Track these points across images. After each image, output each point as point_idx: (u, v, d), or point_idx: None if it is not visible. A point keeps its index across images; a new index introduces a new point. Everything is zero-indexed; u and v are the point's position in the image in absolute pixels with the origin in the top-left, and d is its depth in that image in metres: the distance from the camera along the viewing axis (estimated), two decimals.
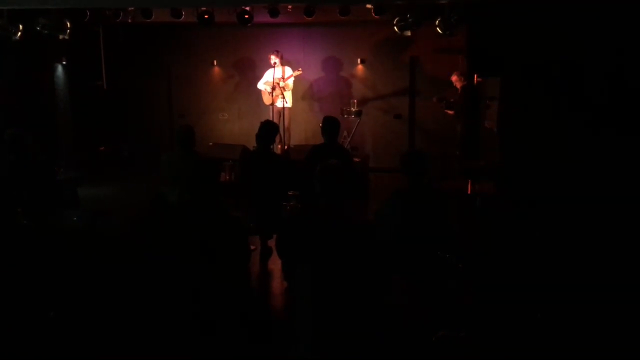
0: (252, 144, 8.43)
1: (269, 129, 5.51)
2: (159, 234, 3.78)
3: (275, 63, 8.71)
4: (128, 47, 9.68)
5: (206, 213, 3.50)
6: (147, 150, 9.49)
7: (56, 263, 4.19)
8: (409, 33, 7.46)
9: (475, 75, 8.71)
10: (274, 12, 7.35)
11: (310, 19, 7.65)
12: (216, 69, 10.18)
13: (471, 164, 7.92)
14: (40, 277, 4.02)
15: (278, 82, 8.76)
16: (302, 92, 9.89)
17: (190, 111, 10.07)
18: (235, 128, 10.18)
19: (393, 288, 3.59)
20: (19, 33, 7.02)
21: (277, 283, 5.23)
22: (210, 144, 8.80)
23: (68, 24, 7.29)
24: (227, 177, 6.94)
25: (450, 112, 9.03)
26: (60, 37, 7.36)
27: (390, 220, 4.00)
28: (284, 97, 8.75)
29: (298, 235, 3.30)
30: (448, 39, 7.77)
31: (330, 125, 5.52)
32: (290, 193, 4.79)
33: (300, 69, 9.05)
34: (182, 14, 7.53)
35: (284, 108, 8.84)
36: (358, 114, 8.83)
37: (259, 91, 9.36)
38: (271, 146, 5.74)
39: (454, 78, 8.91)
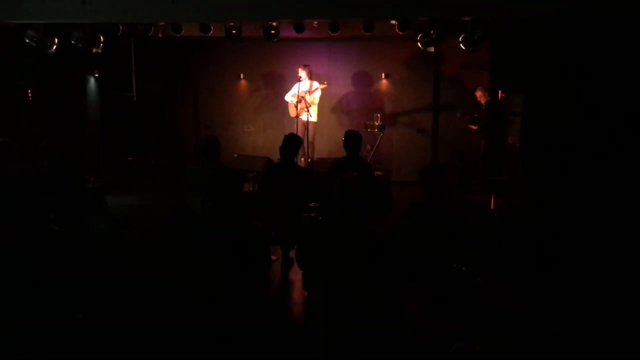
0: (276, 156, 8.55)
1: (292, 142, 5.62)
2: (182, 241, 3.89)
3: (301, 77, 8.86)
4: (157, 60, 9.94)
5: (229, 221, 3.59)
6: (173, 160, 9.70)
7: (84, 267, 4.33)
8: (432, 49, 7.54)
9: (500, 91, 8.73)
10: (299, 28, 7.49)
11: (335, 34, 7.77)
12: (242, 82, 10.36)
13: (494, 179, 7.92)
14: (69, 280, 4.17)
15: (304, 95, 8.90)
16: (330, 106, 10.01)
17: (215, 123, 10.24)
18: (259, 140, 10.34)
19: (410, 299, 3.63)
20: (54, 46, 7.28)
21: (298, 293, 5.31)
22: (235, 155, 8.94)
23: (101, 38, 7.53)
24: (251, 188, 7.07)
25: (474, 127, 9.05)
26: (94, 50, 7.60)
27: (408, 232, 4.05)
28: (308, 111, 8.88)
29: (316, 246, 3.39)
30: (472, 54, 7.83)
31: (352, 139, 5.61)
32: (310, 204, 4.88)
33: (326, 82, 9.18)
34: (211, 29, 7.72)
35: (308, 122, 8.96)
36: (381, 128, 8.92)
37: (284, 104, 9.51)
38: (295, 159, 5.85)
39: (478, 94, 8.95)
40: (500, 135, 8.90)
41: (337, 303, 3.12)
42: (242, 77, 10.29)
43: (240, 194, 3.67)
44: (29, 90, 7.80)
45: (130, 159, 9.92)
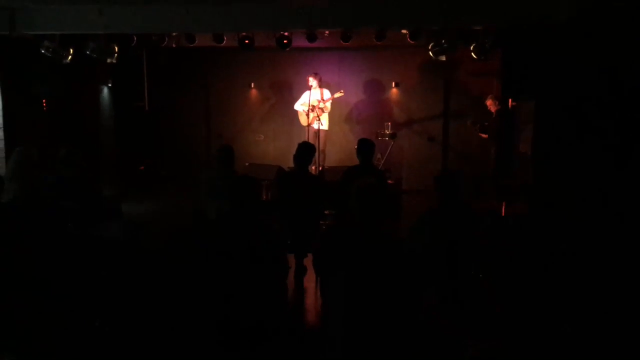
0: (286, 164, 8.63)
1: (306, 150, 5.66)
2: (199, 247, 3.94)
3: (312, 85, 8.93)
4: (169, 70, 10.04)
5: (245, 227, 3.63)
6: (184, 169, 9.80)
7: (102, 273, 4.39)
8: (444, 58, 7.59)
9: (510, 100, 8.77)
10: (311, 37, 7.56)
11: (347, 43, 7.84)
12: (253, 91, 10.45)
13: (505, 186, 7.95)
14: (87, 286, 4.22)
15: (317, 103, 8.97)
16: (341, 114, 10.07)
17: (226, 132, 10.29)
18: (270, 149, 10.41)
19: (424, 304, 3.66)
20: (70, 56, 7.38)
21: (312, 300, 5.35)
22: (247, 164, 9.01)
23: (116, 48, 7.63)
24: (264, 197, 7.12)
25: (484, 135, 9.08)
26: (108, 60, 7.70)
27: (422, 237, 4.09)
28: (319, 120, 8.95)
29: (335, 252, 3.43)
30: (482, 63, 7.88)
31: (365, 147, 5.66)
32: (326, 212, 4.92)
33: (342, 90, 9.24)
34: (224, 39, 7.81)
35: (319, 130, 9.02)
36: (392, 136, 8.97)
37: (294, 113, 9.59)
38: (308, 167, 5.90)
39: (488, 102, 8.99)
40: (510, 144, 8.93)
41: (356, 308, 3.18)
42: (252, 86, 10.38)
43: (260, 201, 3.71)
44: (44, 100, 7.90)
45: (142, 167, 10.01)
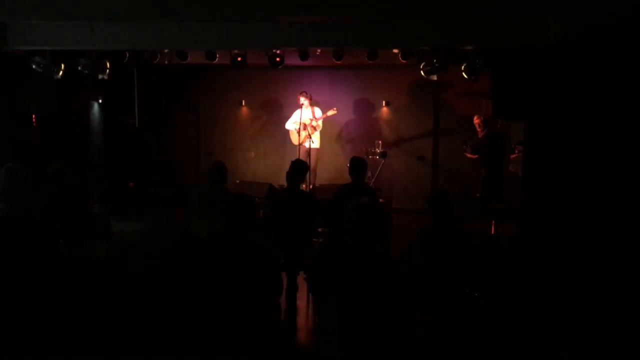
0: (277, 182, 8.62)
1: (299, 168, 5.65)
2: (189, 267, 3.89)
3: (303, 104, 8.95)
4: (159, 87, 10.01)
5: (238, 246, 3.60)
6: (173, 187, 9.74)
7: (90, 292, 4.31)
8: (435, 77, 7.66)
9: (500, 120, 8.84)
10: (304, 56, 7.60)
11: (338, 62, 7.88)
12: (244, 109, 10.46)
13: (495, 206, 7.98)
14: (75, 306, 4.14)
15: (310, 122, 8.98)
16: (332, 133, 10.08)
17: (217, 149, 10.27)
18: (260, 167, 10.38)
19: (418, 324, 3.65)
20: (61, 72, 7.35)
21: (303, 319, 5.30)
22: (237, 181, 8.98)
23: (108, 64, 7.61)
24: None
25: (473, 156, 9.08)
26: (100, 77, 7.67)
27: (416, 257, 4.09)
28: (310, 138, 8.95)
29: (328, 271, 3.41)
30: (472, 82, 7.96)
31: (357, 165, 5.66)
32: (319, 230, 4.90)
33: (335, 108, 9.26)
34: (217, 57, 7.82)
35: (310, 148, 9.03)
36: (383, 155, 8.99)
37: (285, 131, 9.59)
38: (300, 185, 5.88)
39: (476, 121, 9.03)
40: (500, 164, 8.98)
41: (350, 327, 3.15)
42: (243, 103, 10.38)
43: (254, 219, 3.68)
44: (33, 115, 7.84)
45: (132, 184, 9.94)
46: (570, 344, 3.85)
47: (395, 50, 7.53)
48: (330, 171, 9.96)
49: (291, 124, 9.37)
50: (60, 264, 4.01)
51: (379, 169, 9.09)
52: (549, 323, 4.15)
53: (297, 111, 9.17)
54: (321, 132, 9.45)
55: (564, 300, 4.55)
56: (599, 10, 4.80)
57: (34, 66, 7.03)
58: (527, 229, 6.63)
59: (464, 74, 7.34)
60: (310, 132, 8.95)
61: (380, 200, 7.86)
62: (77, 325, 3.90)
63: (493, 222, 7.51)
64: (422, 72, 7.75)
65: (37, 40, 6.66)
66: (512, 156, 8.54)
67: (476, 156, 9.05)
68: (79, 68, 7.40)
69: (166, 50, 7.85)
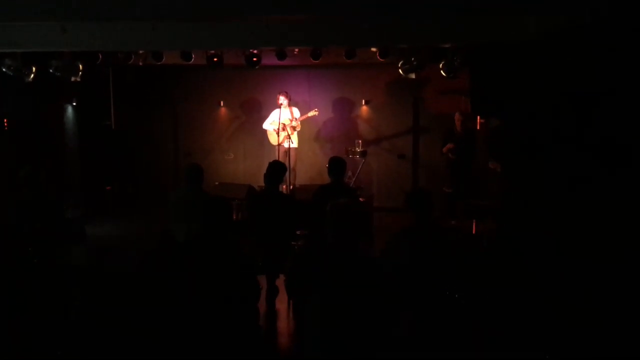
0: (256, 183, 8.54)
1: (277, 169, 5.60)
2: (167, 271, 3.81)
3: (282, 104, 8.87)
4: (136, 88, 9.87)
5: (215, 250, 3.53)
6: (151, 189, 9.60)
7: (63, 300, 4.21)
8: (413, 76, 7.63)
9: (478, 117, 8.85)
10: (281, 55, 7.52)
11: (316, 61, 7.81)
12: (222, 110, 10.35)
13: (476, 204, 7.96)
14: (48, 314, 4.04)
15: (290, 122, 8.91)
16: (311, 132, 10.02)
17: (195, 151, 10.18)
18: (239, 168, 10.29)
19: (400, 322, 3.61)
20: (32, 75, 7.18)
21: (284, 322, 5.23)
22: (217, 183, 8.87)
23: (80, 66, 7.45)
24: (235, 217, 7.00)
25: (452, 157, 9.00)
26: (73, 79, 7.51)
27: (397, 256, 4.04)
28: (289, 138, 8.88)
29: (308, 273, 3.36)
30: (451, 80, 7.94)
31: (336, 165, 5.62)
32: (298, 232, 4.84)
33: (316, 109, 9.19)
34: (192, 57, 7.70)
35: (289, 148, 8.96)
36: (363, 154, 8.94)
37: (264, 131, 9.50)
38: (279, 186, 5.82)
39: (456, 117, 8.99)
40: (477, 162, 8.97)
41: (332, 330, 3.10)
42: (222, 104, 10.27)
43: (229, 223, 3.61)
44: (5, 119, 7.65)
45: (109, 188, 9.77)
46: (552, 345, 3.83)
47: (374, 49, 7.48)
48: (310, 171, 9.91)
49: (268, 125, 9.29)
50: (29, 272, 3.90)
51: (360, 168, 9.05)
52: (531, 324, 4.13)
53: (275, 111, 9.10)
54: (300, 132, 9.39)
55: (545, 301, 4.54)
56: (576, 8, 4.80)
57: (4, 69, 6.87)
58: (506, 226, 6.62)
59: (442, 72, 7.32)
60: (289, 132, 8.88)
61: (361, 199, 7.82)
62: (48, 333, 3.80)
63: (474, 221, 7.49)
64: (400, 70, 7.72)
65: (6, 42, 6.47)
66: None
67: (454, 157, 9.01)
68: (51, 70, 7.23)
69: (141, 51, 7.70)
